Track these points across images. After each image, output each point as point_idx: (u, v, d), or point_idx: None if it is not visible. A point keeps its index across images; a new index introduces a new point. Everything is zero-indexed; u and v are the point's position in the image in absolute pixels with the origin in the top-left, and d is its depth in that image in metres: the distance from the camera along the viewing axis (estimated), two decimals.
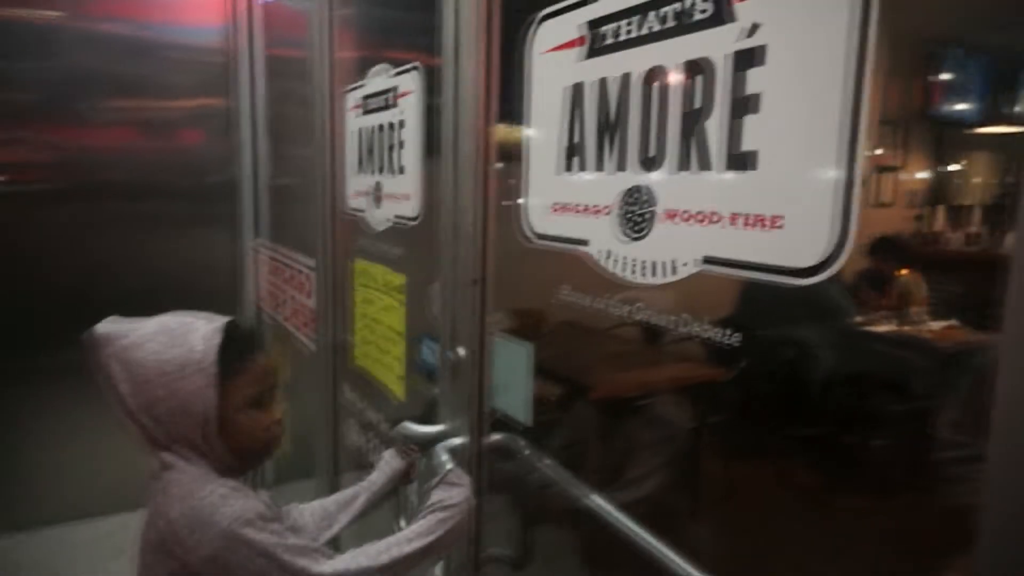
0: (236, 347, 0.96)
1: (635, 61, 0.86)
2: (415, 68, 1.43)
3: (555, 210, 1.02)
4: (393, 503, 1.23)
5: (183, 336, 0.93)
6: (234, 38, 2.96)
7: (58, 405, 2.83)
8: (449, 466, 1.10)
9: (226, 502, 0.88)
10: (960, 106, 2.34)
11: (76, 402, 2.69)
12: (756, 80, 0.72)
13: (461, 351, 1.20)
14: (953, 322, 2.17)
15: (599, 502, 1.04)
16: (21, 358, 2.79)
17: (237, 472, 0.97)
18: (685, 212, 0.82)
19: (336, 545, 1.07)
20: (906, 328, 2.23)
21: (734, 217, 0.76)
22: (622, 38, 0.88)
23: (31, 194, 2.85)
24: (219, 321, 0.97)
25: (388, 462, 1.22)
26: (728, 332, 0.82)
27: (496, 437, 1.19)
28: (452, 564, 1.23)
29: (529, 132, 1.07)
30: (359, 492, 1.18)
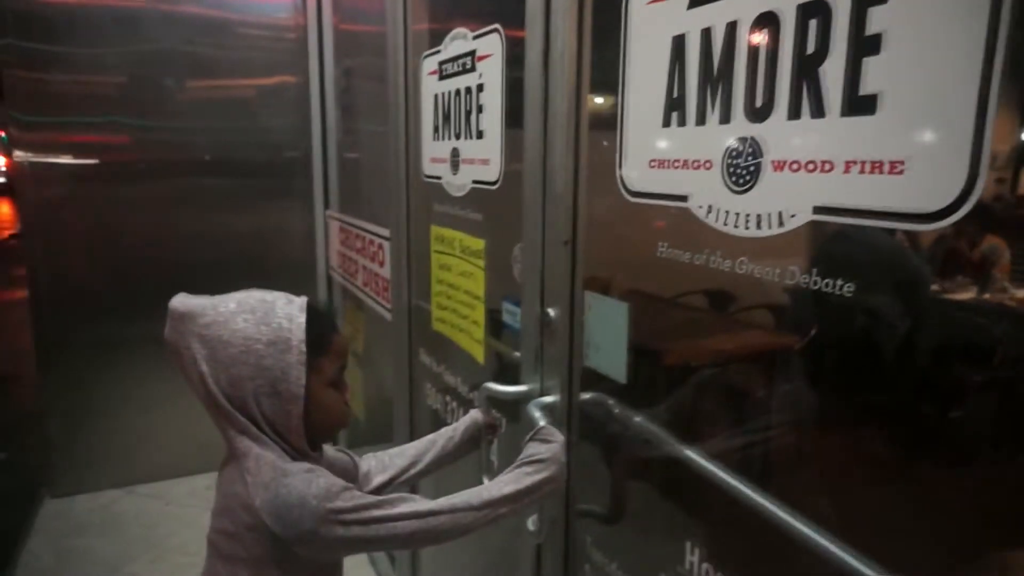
0: (319, 325, 0.95)
1: (745, 6, 0.83)
2: (495, 31, 1.43)
3: (653, 166, 1.01)
4: (475, 464, 1.25)
5: (267, 314, 0.92)
6: (303, 13, 3.01)
7: (151, 372, 2.98)
8: (542, 423, 1.12)
9: (310, 484, 0.88)
10: None
11: (168, 369, 2.83)
12: (881, 17, 0.69)
13: (551, 311, 1.21)
14: None
15: (697, 461, 1.04)
16: (116, 327, 2.95)
17: (307, 456, 0.96)
18: (794, 162, 0.80)
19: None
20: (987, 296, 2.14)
21: (848, 164, 0.74)
22: None
23: (118, 173, 2.99)
24: (298, 300, 0.96)
25: (471, 416, 1.24)
26: (839, 284, 0.80)
27: (587, 396, 1.21)
28: (545, 517, 1.26)
29: (626, 89, 1.05)
30: (437, 439, 1.21)
